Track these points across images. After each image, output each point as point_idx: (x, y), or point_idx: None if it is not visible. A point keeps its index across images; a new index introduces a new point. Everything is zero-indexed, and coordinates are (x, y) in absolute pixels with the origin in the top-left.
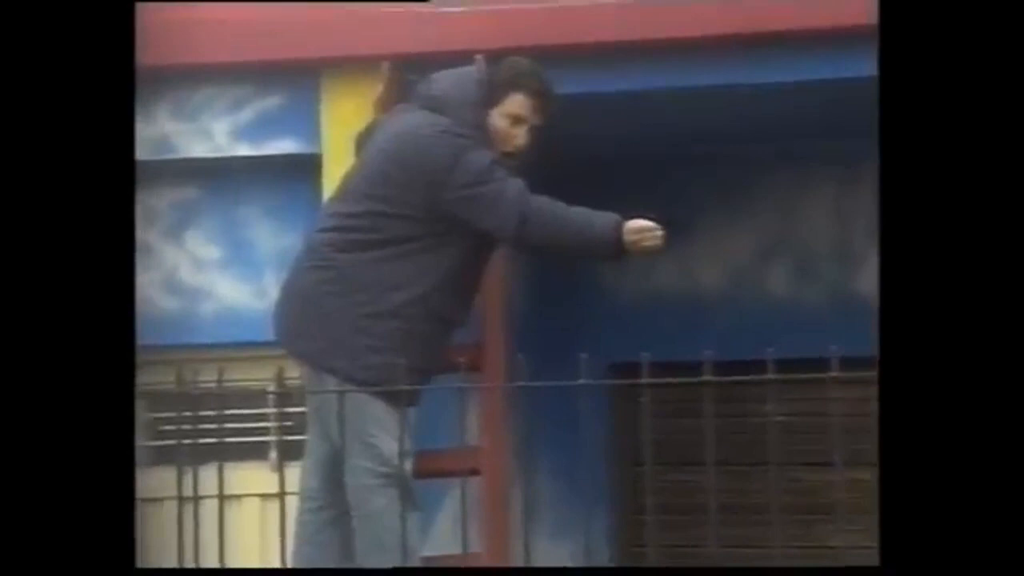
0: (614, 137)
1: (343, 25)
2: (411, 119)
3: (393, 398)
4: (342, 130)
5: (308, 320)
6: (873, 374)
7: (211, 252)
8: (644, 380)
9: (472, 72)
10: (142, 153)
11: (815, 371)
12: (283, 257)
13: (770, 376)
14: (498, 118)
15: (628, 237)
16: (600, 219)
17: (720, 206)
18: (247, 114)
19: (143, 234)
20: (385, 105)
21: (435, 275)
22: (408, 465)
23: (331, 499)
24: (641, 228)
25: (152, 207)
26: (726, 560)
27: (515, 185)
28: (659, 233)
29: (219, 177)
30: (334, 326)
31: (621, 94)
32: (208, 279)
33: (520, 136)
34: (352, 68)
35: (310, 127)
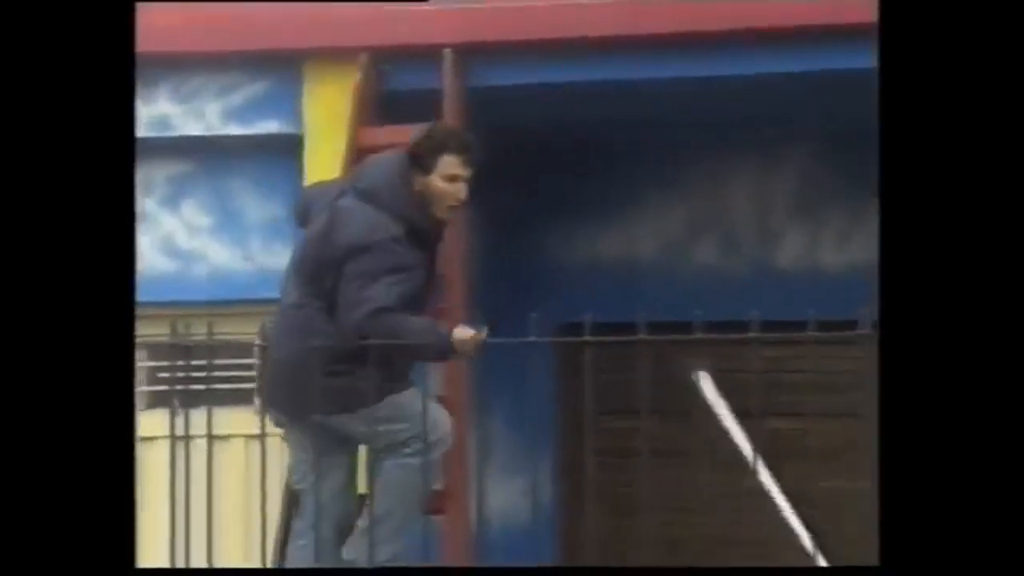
0: (570, 125)
1: (325, 19)
2: (347, 206)
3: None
4: (322, 113)
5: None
6: (789, 335)
7: (204, 220)
8: (586, 338)
9: (395, 161)
10: (143, 131)
11: (737, 332)
12: (268, 225)
13: (698, 336)
14: (438, 181)
15: (457, 347)
16: (433, 337)
17: (656, 186)
18: (237, 98)
19: (143, 203)
20: (362, 91)
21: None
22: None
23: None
24: (465, 339)
25: (151, 179)
26: (655, 497)
27: (376, 302)
28: (480, 339)
29: (211, 153)
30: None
31: (580, 84)
32: (201, 244)
33: (460, 190)
34: (332, 58)
35: (293, 110)
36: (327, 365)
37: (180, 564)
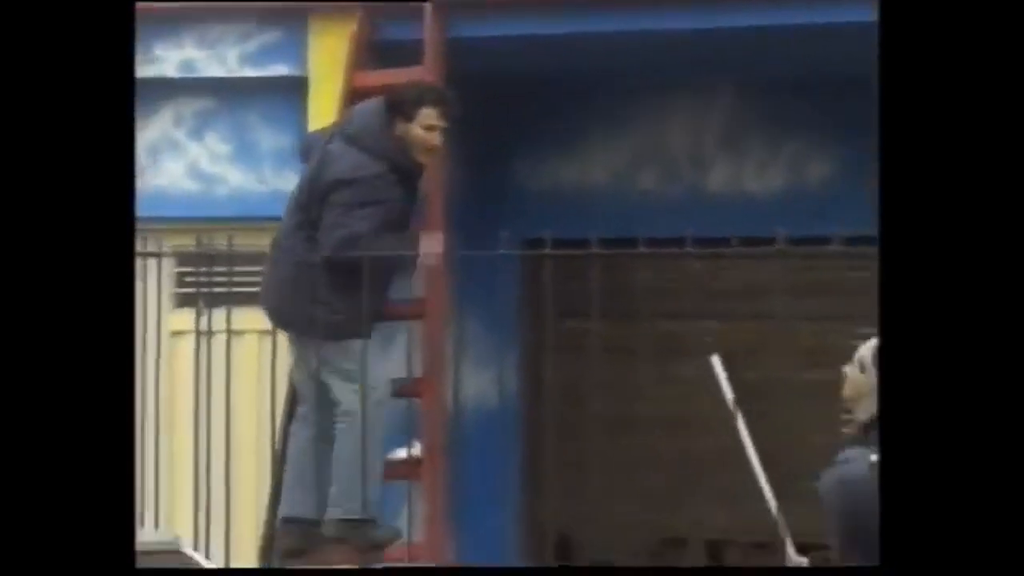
0: (536, 71)
1: None
2: (335, 149)
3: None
4: (324, 59)
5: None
6: (717, 250)
7: (224, 148)
8: (547, 252)
9: (378, 109)
10: (173, 72)
11: (674, 247)
12: (279, 153)
13: (640, 250)
14: (417, 129)
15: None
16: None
17: (607, 122)
18: (252, 45)
19: (174, 133)
20: (358, 41)
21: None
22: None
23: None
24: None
25: (180, 114)
26: (604, 384)
27: (351, 228)
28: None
29: (231, 92)
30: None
31: (545, 37)
32: (222, 168)
33: (435, 138)
34: (333, 10)
35: (300, 56)
36: (305, 290)
37: (203, 437)
